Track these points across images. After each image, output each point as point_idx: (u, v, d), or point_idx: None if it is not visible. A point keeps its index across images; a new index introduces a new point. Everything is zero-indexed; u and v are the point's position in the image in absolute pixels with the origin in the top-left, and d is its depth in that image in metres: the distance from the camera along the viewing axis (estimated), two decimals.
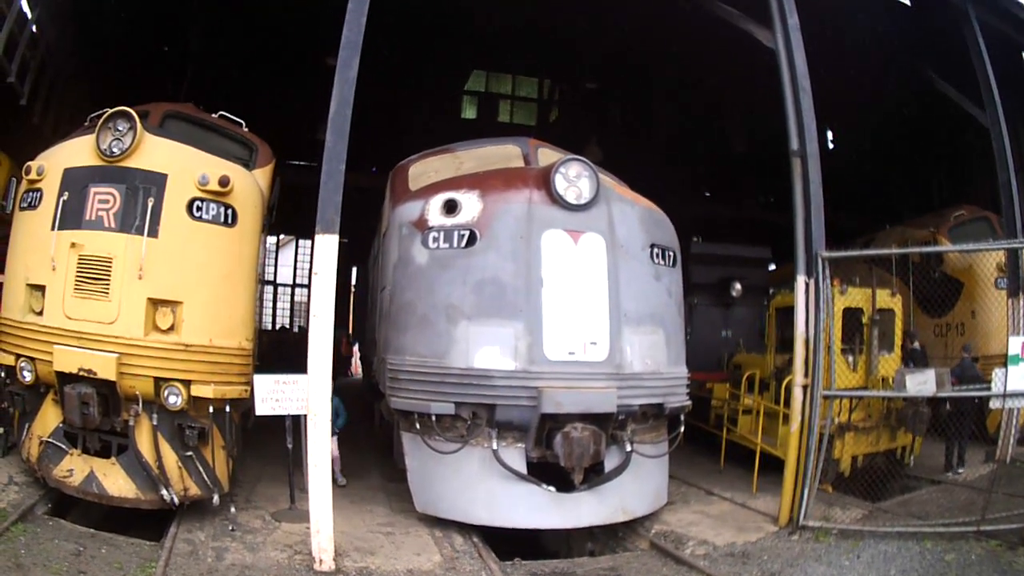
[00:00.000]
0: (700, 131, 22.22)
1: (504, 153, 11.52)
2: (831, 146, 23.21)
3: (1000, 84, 13.22)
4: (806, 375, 10.07)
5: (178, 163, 9.24)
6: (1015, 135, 14.35)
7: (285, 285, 30.25)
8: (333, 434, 10.27)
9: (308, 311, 29.45)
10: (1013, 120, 13.63)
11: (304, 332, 20.01)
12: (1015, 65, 14.31)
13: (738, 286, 16.58)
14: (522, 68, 23.49)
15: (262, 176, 11.10)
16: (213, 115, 11.76)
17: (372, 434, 15.62)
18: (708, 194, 24.84)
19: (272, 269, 29.68)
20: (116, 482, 8.89)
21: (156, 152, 9.19)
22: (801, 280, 10.28)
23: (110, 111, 9.16)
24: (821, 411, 9.85)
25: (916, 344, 13.73)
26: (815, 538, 9.42)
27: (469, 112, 24.48)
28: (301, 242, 29.40)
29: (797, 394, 10.10)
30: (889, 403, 12.19)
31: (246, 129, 11.82)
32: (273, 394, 9.43)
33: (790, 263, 15.89)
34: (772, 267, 19.68)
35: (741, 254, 17.28)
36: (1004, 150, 13.21)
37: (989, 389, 9.80)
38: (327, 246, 8.25)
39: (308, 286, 29.85)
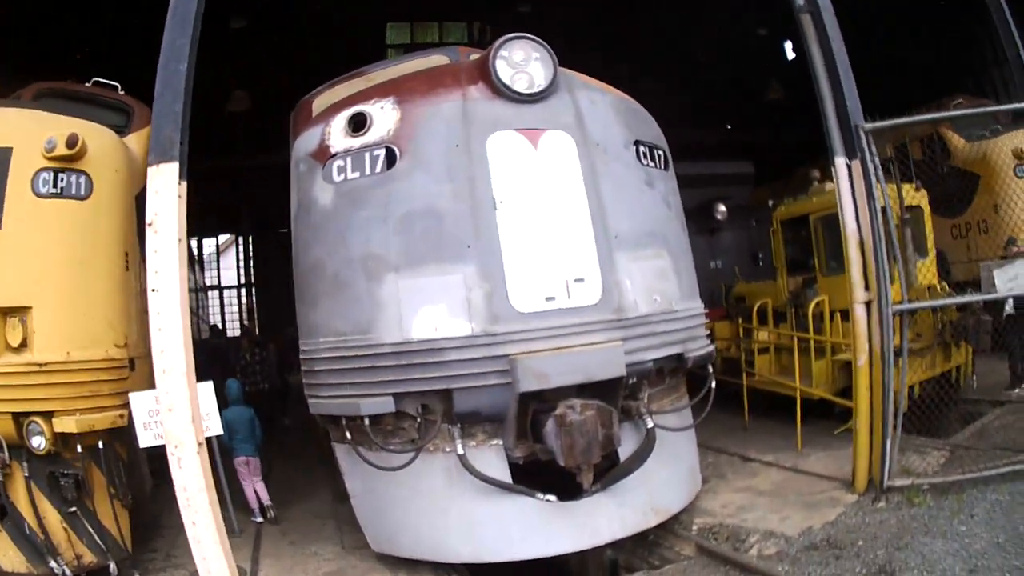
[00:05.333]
0: (659, 47, 19.14)
1: (429, 65, 8.15)
2: (791, 56, 20.24)
3: None
4: (867, 288, 7.09)
5: (24, 132, 7.11)
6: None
7: (230, 287, 27.17)
8: (242, 453, 8.68)
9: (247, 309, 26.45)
10: None
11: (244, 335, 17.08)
12: None
13: (722, 208, 13.55)
14: (447, 14, 20.32)
15: (138, 140, 8.76)
16: (86, 84, 9.64)
17: (320, 440, 12.40)
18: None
19: (215, 273, 27.54)
20: (6, 553, 6.87)
21: (2, 125, 7.19)
22: (842, 163, 7.26)
23: None
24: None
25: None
26: (907, 501, 6.75)
27: None
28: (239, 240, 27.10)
29: (859, 315, 7.12)
30: (942, 316, 9.46)
31: (122, 92, 9.60)
32: (157, 416, 6.64)
33: (771, 181, 13.14)
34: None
35: (722, 171, 14.19)
36: (1008, 24, 10.32)
37: None
38: (166, 180, 5.26)
39: (249, 285, 26.90)
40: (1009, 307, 9.56)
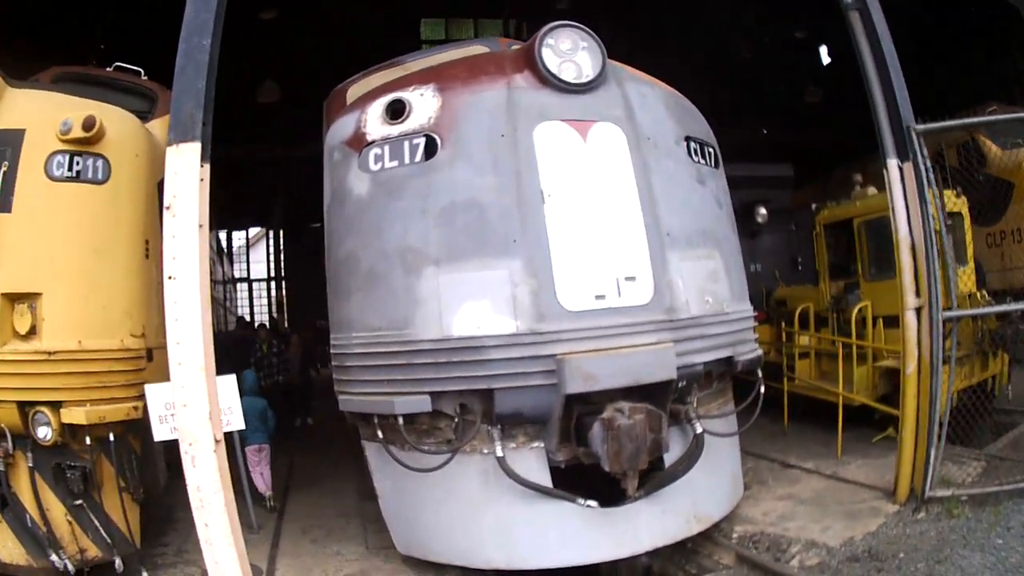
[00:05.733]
0: (698, 41, 18.72)
1: (468, 54, 7.87)
2: (827, 60, 19.79)
3: None
4: (918, 294, 6.77)
5: (39, 114, 6.78)
6: None
7: (259, 280, 27.01)
8: (254, 442, 8.84)
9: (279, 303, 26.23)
10: None
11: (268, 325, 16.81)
12: None
13: (763, 211, 13.17)
14: (483, 10, 19.85)
15: (162, 126, 8.05)
16: (107, 69, 9.37)
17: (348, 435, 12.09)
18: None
19: (244, 266, 27.45)
20: (5, 545, 6.55)
21: (15, 106, 6.81)
22: (894, 165, 6.95)
23: None
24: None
25: None
26: (947, 512, 6.56)
27: None
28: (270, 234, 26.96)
29: (910, 321, 6.80)
30: (981, 325, 9.14)
31: (145, 77, 9.25)
32: (174, 409, 6.01)
33: (808, 183, 12.65)
34: None
35: (763, 174, 13.70)
36: None
37: None
38: (186, 161, 4.84)
39: (282, 278, 26.71)
40: None
